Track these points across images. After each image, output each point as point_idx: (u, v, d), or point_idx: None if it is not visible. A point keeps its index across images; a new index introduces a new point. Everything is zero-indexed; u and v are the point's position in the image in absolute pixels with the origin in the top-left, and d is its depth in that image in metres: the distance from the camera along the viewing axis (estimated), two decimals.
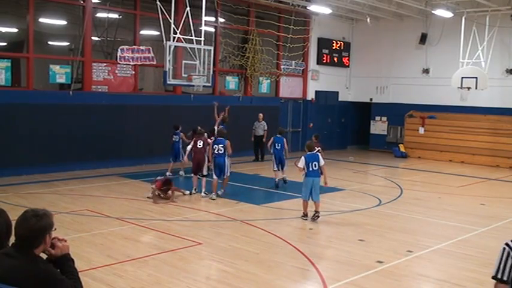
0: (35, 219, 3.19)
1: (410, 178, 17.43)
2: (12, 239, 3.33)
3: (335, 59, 24.36)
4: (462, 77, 19.53)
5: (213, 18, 19.47)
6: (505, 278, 3.49)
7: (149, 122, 17.47)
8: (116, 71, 16.96)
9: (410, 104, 23.20)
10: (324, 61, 23.84)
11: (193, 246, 8.60)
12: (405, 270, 7.78)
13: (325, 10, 20.64)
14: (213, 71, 17.24)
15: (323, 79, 24.10)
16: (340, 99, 25.21)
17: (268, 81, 22.11)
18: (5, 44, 16.19)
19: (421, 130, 22.66)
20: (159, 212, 11.09)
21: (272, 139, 14.61)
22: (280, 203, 12.49)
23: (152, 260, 7.79)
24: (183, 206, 11.79)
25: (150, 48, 17.62)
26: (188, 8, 15.01)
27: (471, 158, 21.01)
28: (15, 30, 16.44)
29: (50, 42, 17.37)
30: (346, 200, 13.00)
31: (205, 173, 13.04)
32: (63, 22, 17.35)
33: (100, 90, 16.61)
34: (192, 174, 13.20)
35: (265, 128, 19.22)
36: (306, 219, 10.55)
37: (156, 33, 17.08)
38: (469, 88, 19.46)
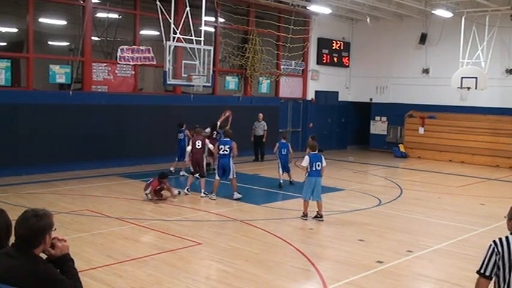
0: (35, 219, 3.19)
1: (410, 178, 17.43)
2: (12, 239, 3.33)
3: (335, 59, 24.37)
4: (462, 77, 19.52)
5: (212, 18, 19.47)
6: (487, 274, 3.61)
7: (149, 122, 17.48)
8: (116, 71, 16.96)
9: (410, 104, 23.21)
10: (324, 61, 23.84)
11: (193, 246, 8.60)
12: (405, 270, 7.78)
13: (325, 10, 20.64)
14: (213, 71, 17.24)
15: (323, 79, 24.11)
16: (340, 99, 25.21)
17: (268, 81, 22.11)
18: (5, 44, 16.19)
19: (421, 130, 22.66)
20: (159, 212, 11.09)
21: (278, 145, 14.69)
22: (280, 203, 12.50)
23: (152, 260, 7.79)
24: (183, 206, 11.79)
25: (150, 48, 17.63)
26: (188, 8, 15.01)
27: (471, 158, 21.01)
28: (15, 30, 16.44)
29: (49, 42, 17.37)
30: (346, 200, 13.00)
31: (204, 174, 12.98)
32: (63, 22, 17.35)
33: (100, 90, 16.62)
34: (190, 174, 13.12)
35: (265, 128, 19.24)
36: (306, 219, 10.54)
37: (156, 33, 17.08)
38: (468, 88, 19.46)
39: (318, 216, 10.59)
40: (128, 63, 17.14)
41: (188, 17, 15.03)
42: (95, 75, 16.47)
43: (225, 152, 12.42)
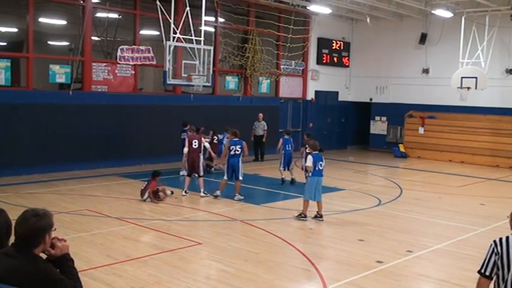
0: (34, 219, 3.19)
1: (410, 178, 17.43)
2: (12, 239, 3.33)
3: (335, 59, 24.37)
4: (462, 77, 19.52)
5: (212, 18, 19.47)
6: (487, 273, 3.62)
7: (149, 121, 17.48)
8: (116, 71, 16.96)
9: (410, 104, 23.21)
10: (324, 61, 23.84)
11: (193, 246, 8.60)
12: (405, 270, 7.78)
13: (325, 10, 20.64)
14: (213, 71, 17.23)
15: (323, 79, 24.11)
16: (340, 99, 25.22)
17: (268, 81, 22.11)
18: (5, 43, 16.19)
19: (421, 130, 22.66)
20: (159, 212, 11.09)
21: (281, 141, 14.87)
22: (281, 203, 12.49)
23: (152, 259, 7.79)
24: (182, 206, 11.79)
25: (150, 48, 17.63)
26: (188, 8, 15.00)
27: (471, 158, 21.01)
28: (15, 30, 16.44)
29: (49, 42, 17.37)
30: (346, 200, 12.99)
31: (201, 173, 12.91)
32: (63, 22, 17.35)
33: (100, 90, 16.61)
34: (186, 174, 13.01)
35: (265, 127, 19.24)
36: (306, 220, 10.51)
37: (156, 33, 17.08)
38: (468, 88, 19.45)
39: (318, 216, 10.58)
40: (127, 63, 17.14)
41: (188, 17, 15.03)
42: (95, 75, 16.46)
43: (237, 152, 12.41)
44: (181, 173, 15.45)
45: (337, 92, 25.08)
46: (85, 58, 16.17)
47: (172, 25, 14.57)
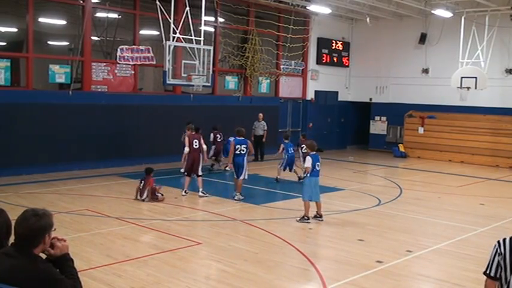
0: (34, 219, 3.19)
1: (410, 178, 17.43)
2: (12, 239, 3.33)
3: (335, 58, 24.37)
4: (462, 77, 19.52)
5: (212, 18, 19.47)
6: (492, 274, 3.60)
7: (149, 121, 17.48)
8: (116, 71, 16.96)
9: (410, 103, 23.21)
10: (324, 61, 23.84)
11: (193, 246, 8.59)
12: (405, 270, 7.78)
13: (325, 10, 20.65)
14: (213, 71, 17.23)
15: (323, 79, 24.11)
16: (339, 99, 25.22)
17: (268, 81, 22.11)
18: (4, 43, 16.19)
19: (421, 130, 22.67)
20: (159, 211, 11.09)
21: (283, 146, 15.25)
22: (280, 203, 12.49)
23: (152, 259, 7.79)
24: (182, 206, 11.79)
25: (150, 48, 17.62)
26: (188, 8, 15.01)
27: (471, 158, 21.02)
28: (14, 30, 16.45)
29: (49, 42, 17.38)
30: (346, 199, 12.99)
31: (200, 173, 12.91)
32: (63, 22, 17.35)
33: (99, 90, 16.61)
34: (185, 174, 12.97)
35: (265, 127, 19.24)
36: (309, 222, 10.40)
37: (156, 33, 17.08)
38: (468, 88, 19.46)
39: (318, 216, 10.57)
40: (127, 63, 17.14)
41: (188, 17, 15.03)
42: (95, 75, 16.46)
43: (242, 151, 12.48)
44: (181, 170, 15.30)
45: (337, 92, 25.09)
46: (85, 58, 16.17)
47: (172, 25, 14.57)
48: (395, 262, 8.04)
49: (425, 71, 23.01)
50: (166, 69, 14.42)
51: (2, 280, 3.04)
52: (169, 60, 14.45)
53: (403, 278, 7.46)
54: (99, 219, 10.18)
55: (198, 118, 16.46)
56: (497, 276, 3.60)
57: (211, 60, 15.85)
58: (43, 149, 15.05)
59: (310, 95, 23.80)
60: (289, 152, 15.17)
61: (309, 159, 10.43)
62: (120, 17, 17.91)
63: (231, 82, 20.83)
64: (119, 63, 16.97)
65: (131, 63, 17.23)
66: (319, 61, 23.68)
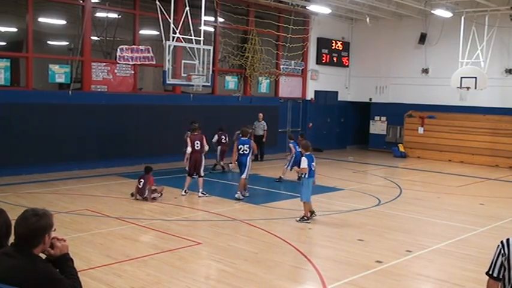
0: (34, 219, 3.19)
1: (410, 178, 17.43)
2: (11, 239, 3.33)
3: (334, 58, 24.37)
4: (461, 77, 19.53)
5: (212, 18, 19.47)
6: (495, 274, 3.58)
7: (148, 121, 17.48)
8: (115, 71, 16.95)
9: (410, 103, 23.22)
10: (324, 61, 23.84)
11: (193, 246, 8.59)
12: (404, 270, 7.78)
13: (325, 10, 20.64)
14: (213, 71, 17.23)
15: (322, 79, 24.11)
16: (339, 99, 25.22)
17: (268, 81, 22.11)
18: (4, 43, 16.18)
19: (421, 130, 22.67)
20: (159, 211, 11.09)
21: (292, 145, 15.30)
22: (280, 203, 12.48)
23: (151, 259, 7.79)
24: (182, 206, 11.79)
25: (150, 48, 17.62)
26: (187, 8, 15.00)
27: (470, 157, 21.02)
28: (14, 29, 16.44)
29: (49, 42, 17.37)
30: (346, 199, 12.99)
31: (202, 174, 12.93)
32: (63, 22, 17.34)
33: (99, 90, 16.61)
34: (187, 175, 13.04)
35: (265, 127, 19.24)
36: (309, 222, 10.41)
37: (156, 32, 17.08)
38: (468, 88, 19.47)
39: (312, 213, 10.55)
40: (127, 63, 17.13)
41: (188, 17, 15.03)
42: (95, 75, 16.46)
43: (245, 151, 12.56)
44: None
45: (337, 92, 25.09)
46: (84, 58, 16.16)
47: (172, 25, 14.56)
48: (395, 262, 8.04)
49: (425, 71, 23.01)
50: (166, 69, 14.42)
51: (1, 280, 3.04)
52: (169, 60, 14.44)
53: (403, 278, 7.46)
54: (99, 219, 10.18)
55: (197, 118, 16.40)
56: (500, 276, 3.59)
57: (211, 60, 15.84)
58: (43, 149, 15.04)
59: (310, 95, 23.80)
60: (298, 149, 15.13)
61: (304, 159, 10.37)
62: (120, 16, 17.90)
63: (231, 82, 20.83)
64: (118, 63, 16.96)
65: (131, 63, 17.23)
66: (319, 61, 23.67)
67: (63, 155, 15.53)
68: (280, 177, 15.31)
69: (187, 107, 18.25)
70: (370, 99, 24.90)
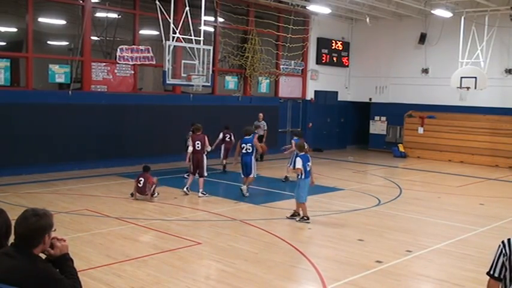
0: (34, 219, 3.19)
1: (410, 178, 17.43)
2: (11, 239, 3.33)
3: (334, 58, 24.36)
4: (461, 77, 19.53)
5: (212, 18, 19.47)
6: (496, 275, 3.57)
7: (148, 121, 17.47)
8: (115, 71, 16.95)
9: (410, 103, 23.22)
10: (323, 61, 23.84)
11: (193, 246, 8.59)
12: (404, 270, 7.78)
13: (325, 10, 20.64)
14: (213, 71, 17.23)
15: (322, 79, 24.11)
16: (339, 99, 25.22)
17: (268, 81, 22.11)
18: (4, 43, 16.18)
19: (421, 130, 22.67)
20: (159, 211, 11.09)
21: (294, 142, 15.11)
22: (280, 203, 12.47)
23: (151, 259, 7.79)
24: (182, 206, 11.79)
25: (150, 48, 17.62)
26: (187, 8, 15.00)
27: (470, 157, 21.02)
28: (14, 29, 16.44)
29: (49, 42, 17.37)
30: (346, 199, 12.99)
31: (205, 174, 12.96)
32: (63, 22, 17.34)
33: (99, 90, 16.61)
34: (191, 174, 13.10)
35: (265, 127, 19.22)
36: (309, 222, 10.38)
37: (156, 32, 17.07)
38: (468, 88, 19.47)
39: (296, 215, 10.53)
40: (127, 62, 17.13)
41: (187, 17, 15.03)
42: (94, 75, 16.46)
43: (248, 150, 12.62)
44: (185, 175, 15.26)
45: (337, 92, 25.09)
46: (84, 58, 16.16)
47: (172, 25, 14.57)
48: (395, 262, 8.04)
49: (425, 71, 23.01)
50: (166, 69, 14.42)
51: (1, 280, 3.04)
52: (169, 60, 14.44)
53: (403, 278, 7.47)
54: (99, 219, 10.18)
55: (197, 118, 16.40)
56: (501, 276, 3.57)
57: (211, 60, 15.85)
58: (43, 149, 15.04)
59: (310, 95, 23.80)
60: None
61: (299, 160, 10.30)
62: (119, 16, 17.90)
63: (231, 82, 20.83)
64: (118, 63, 16.96)
65: (131, 63, 17.23)
66: (318, 61, 23.67)
67: (63, 155, 15.53)
68: (286, 176, 15.18)
69: (187, 107, 18.25)
70: (370, 99, 24.90)
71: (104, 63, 16.82)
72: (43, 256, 3.30)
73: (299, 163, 10.27)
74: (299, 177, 10.43)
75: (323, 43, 23.72)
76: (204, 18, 15.61)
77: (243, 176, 13.01)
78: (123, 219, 10.21)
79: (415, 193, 14.39)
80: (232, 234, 9.45)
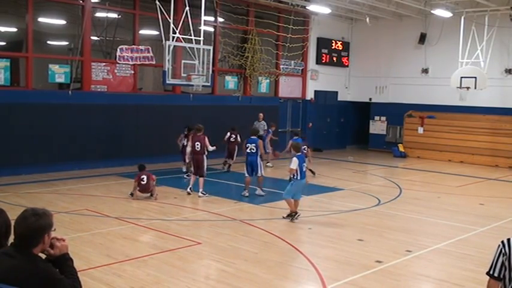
0: (34, 218, 3.19)
1: (410, 178, 17.43)
2: (11, 239, 3.33)
3: (334, 58, 24.37)
4: (461, 77, 19.53)
5: (212, 18, 19.47)
6: (495, 274, 3.58)
7: (148, 121, 17.48)
8: (115, 71, 16.95)
9: (410, 103, 23.22)
10: (323, 61, 23.85)
11: (193, 245, 8.59)
12: (404, 270, 7.78)
13: (325, 10, 20.64)
14: (212, 71, 17.23)
15: (322, 79, 24.11)
16: (339, 99, 25.22)
17: (268, 81, 22.11)
18: (4, 43, 16.18)
19: (420, 130, 22.67)
20: (158, 211, 11.09)
21: (291, 142, 15.28)
22: (280, 203, 12.45)
23: (151, 259, 7.79)
24: (182, 205, 11.79)
25: (150, 47, 17.62)
26: (187, 8, 15.01)
27: (470, 157, 21.03)
28: (14, 29, 16.43)
29: (49, 42, 17.36)
30: (345, 199, 12.99)
31: (205, 175, 12.97)
32: (63, 22, 17.34)
33: (99, 89, 16.61)
34: (192, 174, 13.18)
35: (265, 127, 19.21)
36: (299, 216, 10.40)
37: (156, 32, 17.08)
38: (468, 88, 19.47)
39: (293, 214, 10.52)
40: (127, 62, 17.13)
41: (187, 17, 15.03)
42: (94, 75, 16.46)
43: (252, 150, 12.72)
44: (185, 176, 15.26)
45: (337, 92, 25.09)
46: (84, 58, 16.16)
47: (172, 25, 14.57)
48: (395, 262, 8.04)
49: (425, 71, 23.01)
50: (166, 69, 14.43)
51: (1, 280, 3.04)
52: (168, 60, 14.45)
53: (403, 277, 7.47)
54: (99, 219, 10.17)
55: (197, 118, 16.43)
56: (501, 276, 3.58)
57: (210, 60, 15.86)
58: (43, 149, 15.04)
59: (309, 95, 23.80)
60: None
61: (294, 160, 10.30)
62: (119, 16, 17.90)
63: (231, 82, 20.83)
64: (118, 63, 16.96)
65: (131, 63, 17.23)
66: (318, 61, 23.68)
67: (63, 155, 15.52)
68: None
69: (187, 107, 18.24)
70: (370, 99, 24.91)
71: (104, 63, 16.82)
72: (43, 256, 3.30)
73: (294, 164, 10.27)
74: (294, 177, 10.44)
75: (323, 43, 23.72)
76: (204, 18, 15.61)
77: (247, 175, 12.97)
78: (123, 219, 10.21)
79: (415, 193, 14.39)
80: (232, 234, 9.45)
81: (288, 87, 23.01)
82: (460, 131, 21.42)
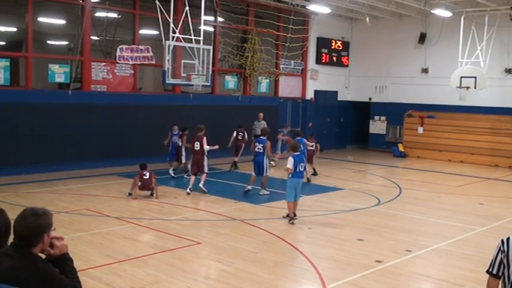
0: (33, 218, 3.18)
1: (410, 178, 17.43)
2: (11, 239, 3.33)
3: (334, 58, 24.36)
4: (461, 77, 19.54)
5: (212, 18, 19.46)
6: (494, 272, 3.62)
7: (148, 121, 17.47)
8: (115, 71, 16.95)
9: (410, 103, 23.22)
10: (323, 61, 23.84)
11: (193, 245, 8.59)
12: (404, 269, 7.79)
13: (325, 10, 20.64)
14: (212, 71, 17.23)
15: (322, 79, 24.11)
16: (339, 98, 25.22)
17: (268, 80, 22.10)
18: (4, 43, 16.18)
19: (420, 130, 22.68)
20: (158, 211, 11.09)
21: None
22: (280, 203, 12.45)
23: (151, 259, 7.79)
24: (182, 205, 11.79)
25: (149, 47, 17.61)
26: (187, 8, 15.00)
27: (470, 157, 21.03)
28: (14, 29, 16.44)
29: (49, 42, 17.37)
30: (345, 199, 12.99)
31: (205, 171, 13.04)
32: (62, 21, 17.35)
33: (99, 89, 16.61)
34: (192, 175, 13.19)
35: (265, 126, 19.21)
36: (296, 219, 10.38)
37: (155, 32, 17.06)
38: (468, 88, 19.48)
39: (294, 215, 10.52)
40: (127, 62, 17.13)
41: (187, 17, 15.03)
42: (94, 75, 16.46)
43: (259, 150, 12.84)
44: (185, 175, 15.26)
45: (337, 92, 25.09)
46: (84, 58, 16.16)
47: (172, 25, 14.56)
48: (395, 262, 8.04)
49: (425, 70, 23.01)
50: (166, 69, 14.42)
51: (1, 280, 3.03)
52: (168, 60, 14.45)
53: (403, 277, 7.47)
54: (99, 219, 10.17)
55: (197, 118, 16.45)
56: (500, 274, 3.62)
57: (210, 59, 15.85)
58: (42, 149, 15.03)
59: (309, 95, 23.80)
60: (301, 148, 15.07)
61: (291, 159, 10.29)
62: (119, 16, 17.90)
63: (231, 82, 20.83)
64: (118, 63, 16.96)
65: (131, 62, 17.22)
66: (318, 61, 23.67)
67: (63, 154, 15.52)
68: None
69: (187, 107, 18.24)
70: (370, 98, 24.91)
71: (104, 63, 16.81)
72: (43, 256, 3.30)
73: (290, 163, 10.24)
74: (288, 176, 10.44)
75: (323, 43, 23.71)
76: (203, 18, 15.61)
77: (253, 174, 13.08)
78: (123, 218, 10.21)
79: (415, 193, 14.39)
80: (232, 234, 9.45)
81: (288, 87, 23.01)
82: (460, 131, 21.43)
